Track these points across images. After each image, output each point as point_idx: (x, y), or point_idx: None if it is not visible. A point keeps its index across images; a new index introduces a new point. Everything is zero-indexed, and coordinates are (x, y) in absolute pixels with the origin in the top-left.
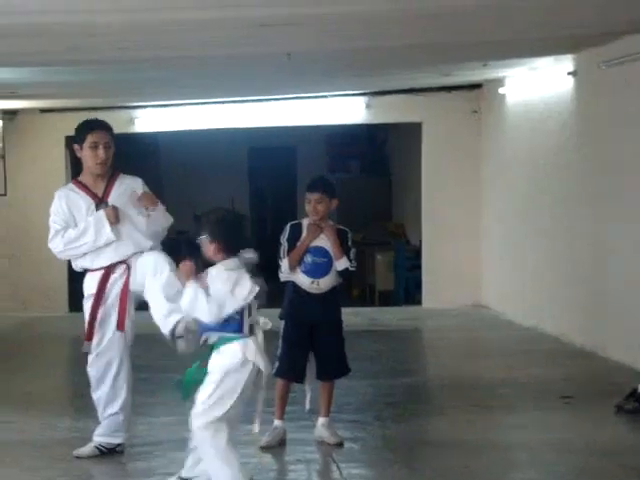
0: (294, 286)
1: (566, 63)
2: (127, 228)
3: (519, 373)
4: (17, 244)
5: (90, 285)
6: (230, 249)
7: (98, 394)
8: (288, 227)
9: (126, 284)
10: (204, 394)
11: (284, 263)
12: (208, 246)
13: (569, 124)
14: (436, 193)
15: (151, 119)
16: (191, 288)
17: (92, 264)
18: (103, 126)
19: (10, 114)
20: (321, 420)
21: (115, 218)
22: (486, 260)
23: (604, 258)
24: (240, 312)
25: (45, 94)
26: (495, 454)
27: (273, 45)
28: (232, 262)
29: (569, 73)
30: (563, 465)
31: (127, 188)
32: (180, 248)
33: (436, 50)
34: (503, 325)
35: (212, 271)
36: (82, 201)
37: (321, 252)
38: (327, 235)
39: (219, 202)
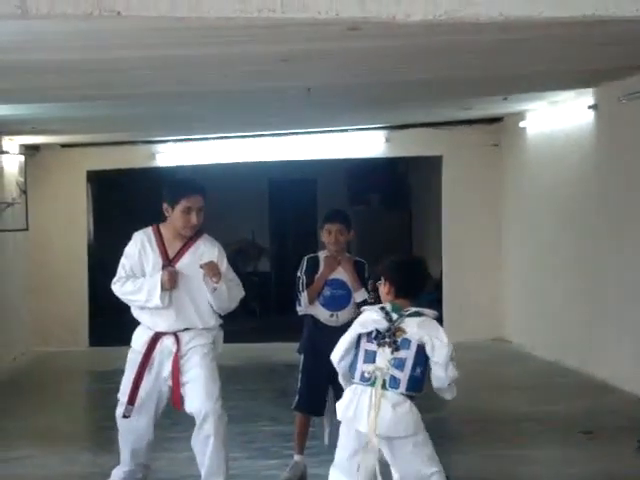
0: (312, 319)
1: (586, 97)
2: (186, 299)
3: (540, 407)
4: (38, 278)
5: (138, 340)
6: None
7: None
8: (305, 260)
9: (176, 358)
10: None
11: (303, 296)
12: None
13: (590, 157)
14: (456, 226)
15: (172, 153)
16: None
17: (146, 320)
18: (199, 190)
19: (32, 149)
20: None
21: (170, 283)
22: (507, 293)
23: (629, 292)
24: (356, 354)
25: (65, 129)
26: None
27: (293, 80)
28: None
29: (589, 107)
30: None
31: (201, 254)
32: None
33: (456, 84)
34: (524, 359)
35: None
36: (152, 255)
37: (339, 284)
38: (345, 267)
39: (240, 235)
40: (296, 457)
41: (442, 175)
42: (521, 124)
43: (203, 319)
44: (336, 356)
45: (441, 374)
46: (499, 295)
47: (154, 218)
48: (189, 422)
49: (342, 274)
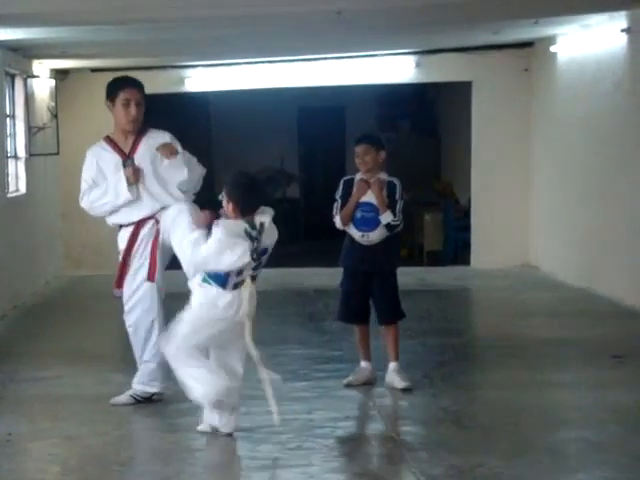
0: (349, 237)
1: (620, 20)
2: (153, 185)
3: (570, 333)
4: (70, 203)
5: (122, 240)
6: (242, 209)
7: (134, 342)
8: (341, 183)
9: (156, 238)
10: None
11: (337, 219)
12: (226, 205)
13: (623, 83)
14: (486, 153)
15: (201, 79)
16: (197, 232)
17: (122, 220)
18: (135, 84)
19: (62, 74)
20: (391, 365)
21: (134, 177)
22: (536, 220)
23: None
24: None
25: (95, 53)
26: (545, 413)
27: (324, 3)
28: (235, 226)
29: (622, 30)
30: (615, 424)
31: (154, 143)
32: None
33: (487, 6)
34: (553, 286)
35: (216, 227)
36: (111, 158)
37: (369, 207)
38: (373, 190)
39: (269, 162)
40: (362, 363)
41: (472, 101)
42: (552, 49)
43: (175, 197)
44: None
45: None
46: (528, 221)
47: (184, 143)
48: None
49: (372, 197)
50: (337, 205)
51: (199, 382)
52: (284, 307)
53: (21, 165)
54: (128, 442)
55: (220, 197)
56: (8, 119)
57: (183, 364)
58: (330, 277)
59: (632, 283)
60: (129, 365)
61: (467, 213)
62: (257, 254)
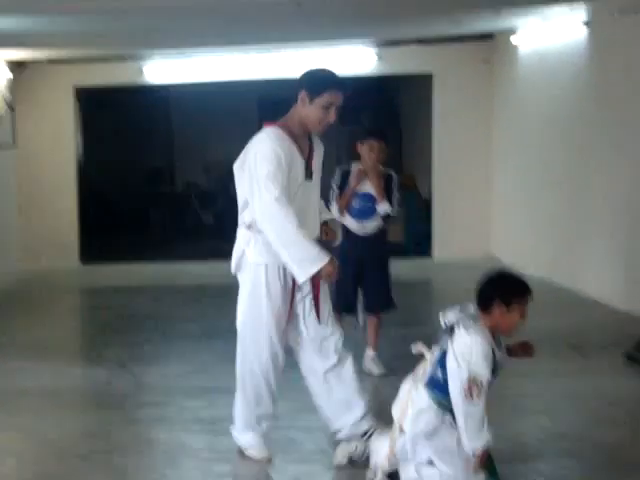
0: (344, 227)
1: (580, 12)
2: (311, 209)
3: (529, 323)
4: (27, 196)
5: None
6: None
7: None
8: (338, 172)
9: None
10: None
11: (333, 207)
12: None
13: (583, 75)
14: (447, 144)
15: (160, 70)
16: None
17: None
18: (344, 88)
19: (19, 65)
20: (369, 353)
21: (327, 279)
22: (498, 211)
23: (617, 209)
24: None
25: (52, 43)
26: (507, 402)
27: None
28: None
29: (583, 23)
30: (574, 413)
31: (320, 153)
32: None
33: None
34: None
35: None
36: (299, 159)
37: (367, 197)
38: (372, 180)
39: (230, 154)
40: None
41: (433, 93)
42: (513, 41)
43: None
44: None
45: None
46: (490, 212)
47: (144, 136)
48: (180, 338)
49: (370, 187)
50: (334, 194)
51: None
52: None
53: None
54: (87, 435)
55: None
56: None
57: None
58: None
59: (591, 273)
60: (87, 359)
61: (428, 204)
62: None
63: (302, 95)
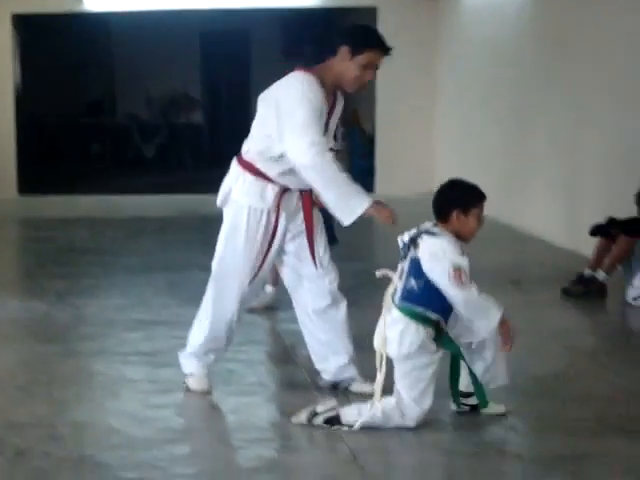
0: None
1: None
2: None
3: (470, 259)
4: None
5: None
6: None
7: None
8: None
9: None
10: None
11: None
12: None
13: (527, 10)
14: (391, 80)
15: None
16: None
17: (276, 178)
18: (387, 50)
19: None
20: None
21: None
22: (441, 148)
23: (558, 147)
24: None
25: None
26: None
27: None
28: None
29: None
30: (512, 347)
31: (340, 107)
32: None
33: None
34: None
35: None
36: (324, 112)
37: None
38: None
39: (172, 86)
40: (267, 287)
41: (377, 27)
42: None
43: None
44: None
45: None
46: (432, 150)
47: (84, 65)
48: (118, 271)
49: None
50: None
51: None
52: (188, 233)
53: None
54: (26, 367)
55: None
56: None
57: None
58: None
59: (533, 211)
60: (27, 290)
61: (372, 140)
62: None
63: (343, 49)
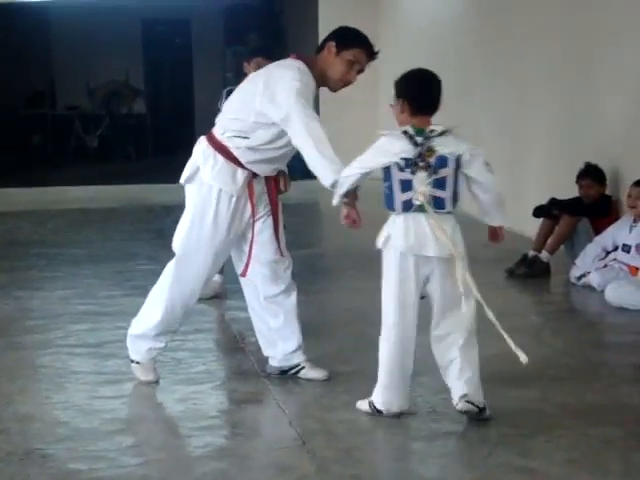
0: None
1: None
2: None
3: None
4: None
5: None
6: (414, 109)
7: None
8: (224, 92)
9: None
10: None
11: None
12: (394, 109)
13: None
14: None
15: None
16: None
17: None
18: (374, 54)
19: None
20: None
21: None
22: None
23: (502, 126)
24: (389, 186)
25: None
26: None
27: None
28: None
29: None
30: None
31: None
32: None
33: None
34: None
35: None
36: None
37: None
38: None
39: (114, 76)
40: (215, 276)
41: (319, 11)
42: None
43: None
44: (351, 176)
45: (486, 180)
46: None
47: (23, 56)
48: (63, 263)
49: None
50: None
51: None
52: (132, 224)
53: None
54: None
55: (390, 104)
56: None
57: None
58: (177, 193)
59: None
60: None
61: None
62: (427, 163)
63: (330, 45)
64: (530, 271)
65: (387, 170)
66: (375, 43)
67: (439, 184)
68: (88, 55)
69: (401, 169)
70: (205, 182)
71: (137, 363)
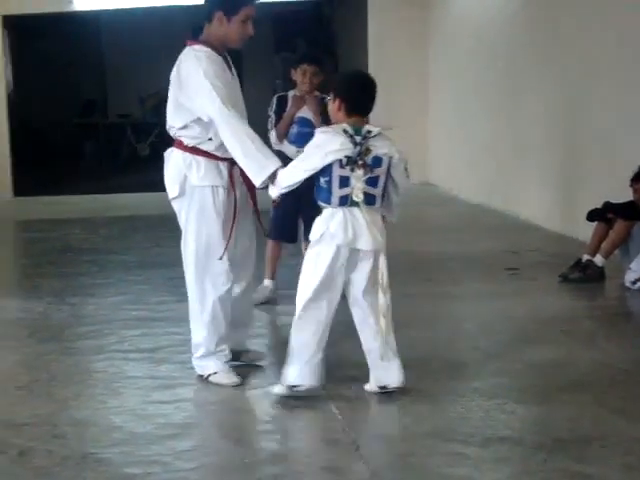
0: (283, 155)
1: None
2: None
3: (466, 247)
4: None
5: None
6: (349, 109)
7: None
8: (275, 99)
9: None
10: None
11: (272, 134)
12: (332, 106)
13: None
14: (383, 71)
15: None
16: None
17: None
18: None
19: None
20: None
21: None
22: (434, 139)
23: (552, 133)
24: (328, 181)
25: None
26: (444, 325)
27: None
28: (333, 127)
29: None
30: (509, 333)
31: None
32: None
33: None
34: (451, 202)
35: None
36: (225, 68)
37: (306, 122)
38: (310, 106)
39: (164, 84)
40: (266, 282)
41: (368, 16)
42: None
43: None
44: (297, 177)
45: (403, 184)
46: (427, 140)
47: (76, 66)
48: (115, 269)
49: (308, 112)
50: (272, 120)
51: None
52: (181, 230)
53: None
54: (26, 366)
55: (327, 98)
56: None
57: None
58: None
59: (526, 197)
60: (25, 291)
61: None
62: (364, 162)
63: (218, 15)
64: (584, 275)
65: (328, 166)
66: (425, 44)
67: (372, 182)
68: (139, 63)
69: (342, 166)
70: (196, 186)
71: (215, 373)
